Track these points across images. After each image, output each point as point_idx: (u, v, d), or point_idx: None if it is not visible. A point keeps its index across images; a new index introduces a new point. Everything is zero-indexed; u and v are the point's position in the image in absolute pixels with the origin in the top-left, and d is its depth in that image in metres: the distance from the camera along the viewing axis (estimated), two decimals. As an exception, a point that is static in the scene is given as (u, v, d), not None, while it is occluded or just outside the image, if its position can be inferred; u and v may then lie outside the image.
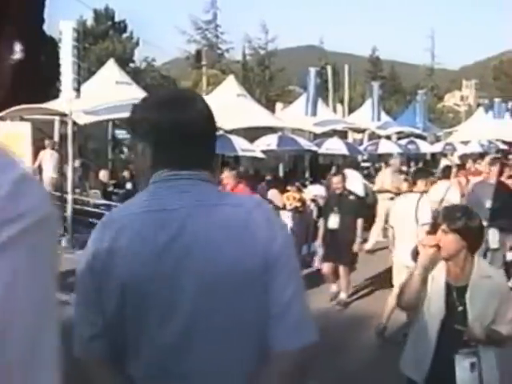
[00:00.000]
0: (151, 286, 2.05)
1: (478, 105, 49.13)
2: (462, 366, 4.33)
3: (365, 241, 15.67)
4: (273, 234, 2.14)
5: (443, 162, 26.91)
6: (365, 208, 12.84)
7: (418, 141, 28.84)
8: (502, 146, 32.30)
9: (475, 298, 4.28)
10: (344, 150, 21.21)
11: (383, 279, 10.70)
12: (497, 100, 39.49)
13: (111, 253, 2.07)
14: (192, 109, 2.22)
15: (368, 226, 16.17)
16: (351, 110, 36.92)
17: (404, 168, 19.10)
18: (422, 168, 13.07)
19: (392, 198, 15.87)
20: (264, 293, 2.09)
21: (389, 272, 9.32)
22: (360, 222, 10.55)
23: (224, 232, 2.11)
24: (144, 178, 2.23)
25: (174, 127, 2.13)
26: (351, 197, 10.78)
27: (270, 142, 19.19)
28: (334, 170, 21.15)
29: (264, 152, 18.32)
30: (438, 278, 4.33)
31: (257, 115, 21.15)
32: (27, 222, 1.03)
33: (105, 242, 2.10)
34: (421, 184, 9.05)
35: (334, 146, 21.52)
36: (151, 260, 2.05)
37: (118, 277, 2.06)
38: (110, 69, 20.03)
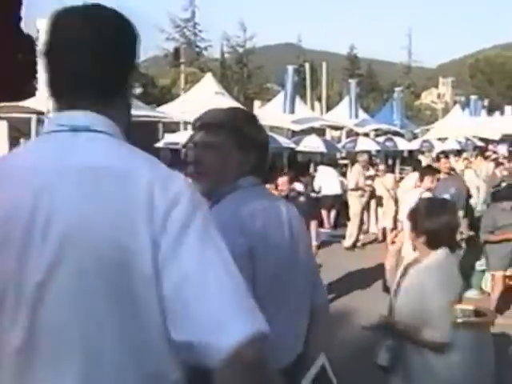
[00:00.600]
0: None
1: (455, 102, 49.39)
2: (382, 356, 4.42)
3: (343, 237, 15.86)
4: None
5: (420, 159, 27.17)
6: (317, 208, 12.96)
7: (396, 138, 28.95)
8: (479, 143, 32.58)
9: (403, 287, 4.36)
10: (322, 148, 21.27)
11: (362, 276, 10.80)
12: (473, 97, 39.80)
13: None
14: None
15: (345, 223, 16.28)
16: (329, 108, 37.00)
17: (382, 166, 19.10)
18: (430, 165, 13.23)
19: (362, 196, 16.03)
20: None
21: (368, 269, 9.42)
22: (313, 224, 9.97)
23: None
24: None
25: None
26: (300, 198, 10.03)
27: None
28: (312, 167, 21.34)
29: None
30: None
31: (237, 114, 21.17)
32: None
33: None
34: (427, 181, 9.37)
35: (312, 144, 21.55)
36: None
37: None
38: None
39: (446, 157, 14.15)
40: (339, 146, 24.37)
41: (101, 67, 1.84)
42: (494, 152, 28.38)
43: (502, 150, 33.67)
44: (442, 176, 11.51)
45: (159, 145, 18.61)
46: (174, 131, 22.59)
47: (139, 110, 17.03)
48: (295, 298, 2.78)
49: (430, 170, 10.02)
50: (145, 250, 1.64)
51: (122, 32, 1.92)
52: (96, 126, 1.83)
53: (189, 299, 1.61)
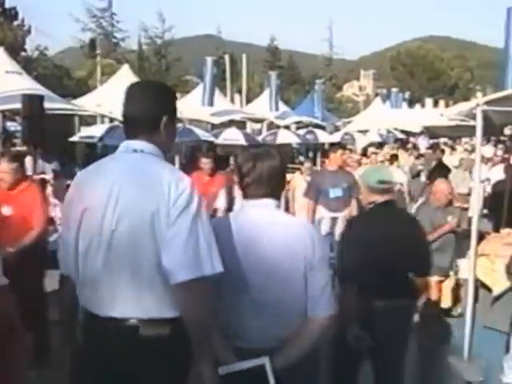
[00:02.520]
0: None
1: (376, 95, 50.31)
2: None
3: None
4: None
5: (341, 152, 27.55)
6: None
7: (317, 131, 29.30)
8: (400, 136, 33.28)
9: None
10: (242, 141, 21.27)
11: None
12: (394, 90, 40.62)
13: None
14: None
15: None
16: (249, 100, 37.17)
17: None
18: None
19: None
20: None
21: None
22: None
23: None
24: None
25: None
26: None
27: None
28: (232, 160, 21.43)
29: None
30: None
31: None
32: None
33: None
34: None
35: (232, 137, 21.55)
36: None
37: None
38: (0, 58, 19.54)
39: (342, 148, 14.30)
40: (259, 138, 24.52)
41: (147, 116, 3.46)
42: (414, 146, 29.01)
43: (423, 142, 34.52)
44: (330, 168, 11.65)
45: (74, 138, 18.39)
46: (90, 124, 22.41)
47: (54, 103, 16.77)
48: (258, 292, 3.60)
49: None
50: (163, 216, 3.21)
51: (161, 94, 3.57)
52: (145, 149, 3.42)
53: (172, 246, 3.19)
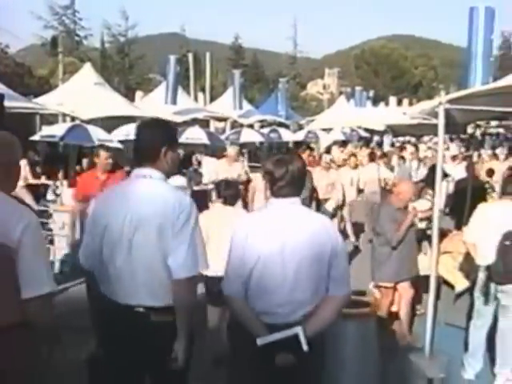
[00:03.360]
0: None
1: (341, 93, 50.51)
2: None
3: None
4: None
5: (335, 150, 27.64)
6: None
7: (281, 129, 29.36)
8: (364, 134, 33.44)
9: None
10: (205, 140, 21.22)
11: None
12: (358, 88, 40.78)
13: None
14: None
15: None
16: (213, 99, 37.10)
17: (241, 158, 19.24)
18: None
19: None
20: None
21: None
22: None
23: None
24: None
25: None
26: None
27: (128, 131, 18.91)
28: (195, 159, 21.39)
29: (122, 142, 18.06)
30: None
31: (115, 104, 20.97)
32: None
33: None
34: None
35: (195, 136, 21.41)
36: None
37: None
38: (-42, 56, 19.24)
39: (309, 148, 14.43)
40: (223, 137, 24.48)
41: (149, 148, 4.49)
42: (379, 145, 29.15)
43: (387, 140, 34.73)
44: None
45: (36, 137, 18.18)
46: (51, 123, 22.17)
47: (15, 102, 16.57)
48: (293, 275, 4.43)
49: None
50: (169, 228, 4.24)
51: (159, 129, 4.62)
52: (153, 175, 4.43)
53: (177, 251, 4.24)
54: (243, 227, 4.56)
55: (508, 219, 7.53)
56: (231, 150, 16.25)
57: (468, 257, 8.27)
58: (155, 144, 4.46)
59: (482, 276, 7.75)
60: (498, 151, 29.08)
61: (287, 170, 4.44)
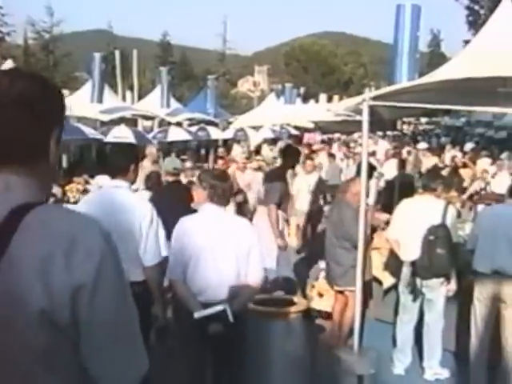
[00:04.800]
0: None
1: (272, 90, 50.62)
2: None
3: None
4: None
5: (236, 149, 27.68)
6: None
7: (209, 127, 29.32)
8: (294, 132, 33.58)
9: None
10: (132, 138, 21.01)
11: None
12: (288, 85, 40.93)
13: None
14: None
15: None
16: (141, 97, 36.84)
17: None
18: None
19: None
20: None
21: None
22: None
23: None
24: None
25: None
26: None
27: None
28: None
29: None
30: None
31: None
32: None
33: None
34: None
35: (121, 134, 21.13)
36: None
37: None
38: None
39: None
40: (150, 136, 24.35)
41: (119, 163, 6.11)
42: (310, 145, 29.30)
43: (318, 138, 34.97)
44: None
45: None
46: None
47: None
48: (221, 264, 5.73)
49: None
50: (137, 228, 5.70)
51: (129, 149, 7.14)
52: (119, 185, 6.03)
53: (147, 244, 5.83)
54: (182, 225, 5.77)
55: (429, 214, 7.72)
56: (151, 150, 16.19)
57: (394, 253, 8.42)
58: (124, 160, 6.03)
59: (406, 271, 7.92)
60: (420, 146, 29.49)
61: (223, 186, 5.82)
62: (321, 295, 9.85)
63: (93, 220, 2.01)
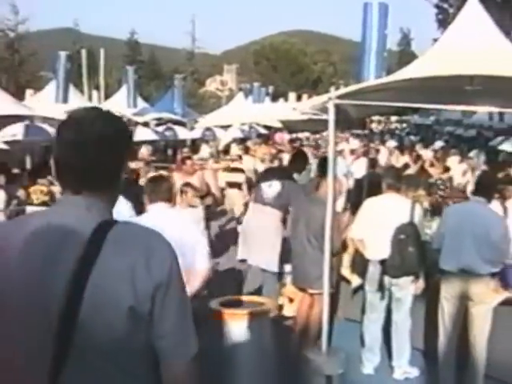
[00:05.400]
0: None
1: (240, 89, 50.56)
2: None
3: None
4: None
5: (204, 149, 27.64)
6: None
7: (177, 127, 29.25)
8: (263, 131, 33.60)
9: None
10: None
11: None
12: (256, 84, 40.92)
13: None
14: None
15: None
16: (108, 97, 36.63)
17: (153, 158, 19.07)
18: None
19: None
20: None
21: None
22: None
23: None
24: None
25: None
26: None
27: (15, 131, 18.32)
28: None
29: (8, 143, 17.53)
30: None
31: (1, 103, 20.44)
32: None
33: None
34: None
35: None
36: None
37: None
38: None
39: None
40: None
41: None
42: (278, 144, 29.32)
43: (287, 137, 34.99)
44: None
45: None
46: None
47: None
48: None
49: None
50: None
51: None
52: None
53: None
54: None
55: (395, 213, 7.77)
56: (143, 151, 16.09)
57: (360, 252, 8.45)
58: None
59: (373, 270, 7.96)
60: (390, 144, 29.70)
61: (159, 188, 6.54)
62: (291, 300, 9.85)
63: (160, 233, 2.58)
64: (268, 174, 11.26)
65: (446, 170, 18.40)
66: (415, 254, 7.64)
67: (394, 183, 8.12)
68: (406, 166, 18.95)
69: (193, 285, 5.87)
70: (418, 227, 7.80)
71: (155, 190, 6.55)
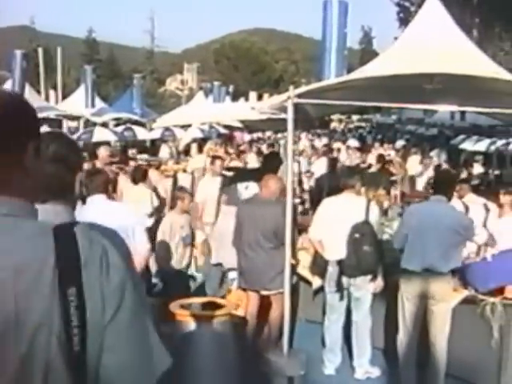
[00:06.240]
0: None
1: (201, 88, 50.33)
2: None
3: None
4: None
5: (163, 149, 27.51)
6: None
7: (136, 127, 29.07)
8: (223, 131, 33.57)
9: None
10: (54, 140, 20.72)
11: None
12: (216, 83, 40.82)
13: None
14: None
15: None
16: (66, 97, 36.32)
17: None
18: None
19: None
20: None
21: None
22: None
23: None
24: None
25: None
26: None
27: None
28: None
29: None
30: None
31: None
32: None
33: None
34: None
35: (43, 136, 20.93)
36: None
37: None
38: None
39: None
40: (75, 137, 24.02)
41: None
42: (239, 146, 29.34)
43: (247, 137, 35.02)
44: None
45: None
46: None
47: None
48: None
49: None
50: None
51: None
52: None
53: None
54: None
55: (351, 212, 7.82)
56: (104, 152, 15.81)
57: (320, 253, 8.47)
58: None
59: (331, 270, 7.99)
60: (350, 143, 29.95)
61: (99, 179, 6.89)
62: (237, 306, 9.75)
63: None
64: (243, 176, 11.18)
65: (407, 169, 18.61)
66: (371, 253, 7.67)
67: (350, 182, 8.15)
68: (370, 165, 19.10)
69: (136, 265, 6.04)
70: (374, 226, 7.83)
71: (92, 184, 6.73)
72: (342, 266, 7.80)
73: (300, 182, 17.66)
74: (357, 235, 7.66)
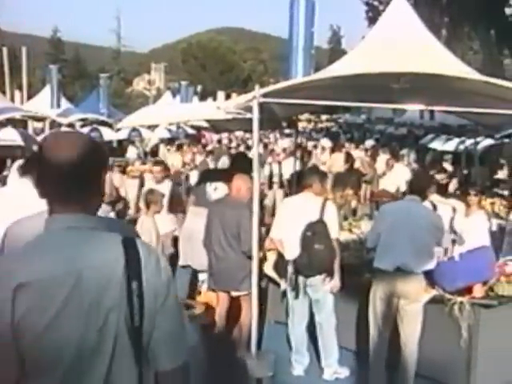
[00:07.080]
0: None
1: (168, 88, 50.18)
2: None
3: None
4: None
5: (130, 150, 27.41)
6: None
7: (102, 128, 28.90)
8: (190, 131, 33.51)
9: None
10: (19, 141, 20.45)
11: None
12: (184, 83, 40.73)
13: None
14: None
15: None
16: (31, 97, 36.05)
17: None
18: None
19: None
20: None
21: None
22: None
23: None
24: None
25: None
26: None
27: None
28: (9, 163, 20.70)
29: None
30: None
31: None
32: None
33: None
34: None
35: (8, 137, 20.51)
36: None
37: None
38: None
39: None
40: (40, 138, 23.82)
41: None
42: (204, 146, 29.30)
43: (215, 137, 34.98)
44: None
45: None
46: None
47: None
48: None
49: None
50: None
51: None
52: None
53: None
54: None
55: (308, 211, 7.83)
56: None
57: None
58: None
59: (290, 270, 7.99)
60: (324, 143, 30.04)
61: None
62: (207, 307, 9.72)
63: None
64: (211, 176, 11.10)
65: (376, 169, 18.65)
66: (323, 251, 7.66)
67: (308, 182, 8.17)
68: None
69: None
70: (333, 225, 7.82)
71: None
72: (296, 265, 7.80)
73: (270, 182, 17.72)
74: (308, 233, 7.66)
